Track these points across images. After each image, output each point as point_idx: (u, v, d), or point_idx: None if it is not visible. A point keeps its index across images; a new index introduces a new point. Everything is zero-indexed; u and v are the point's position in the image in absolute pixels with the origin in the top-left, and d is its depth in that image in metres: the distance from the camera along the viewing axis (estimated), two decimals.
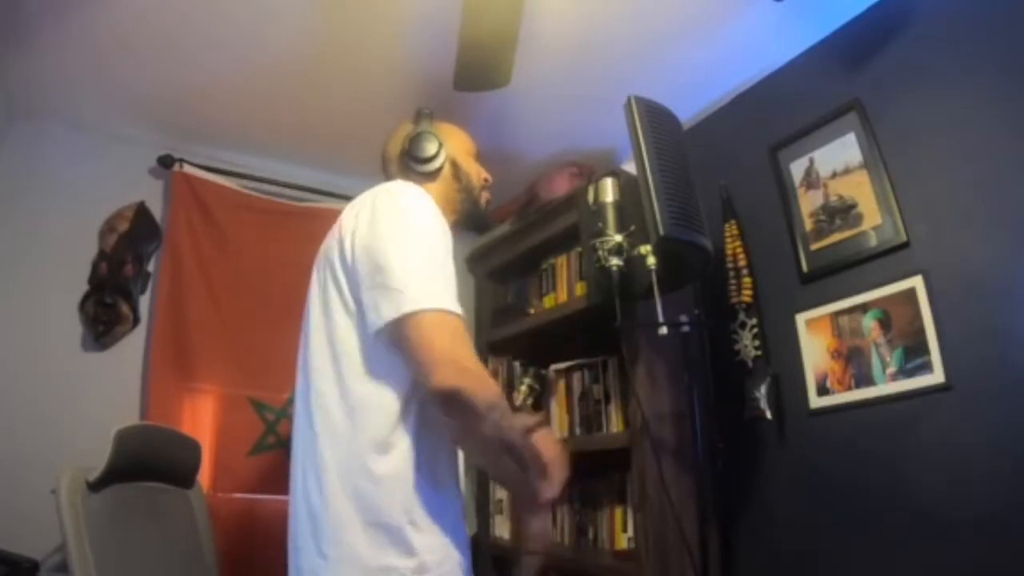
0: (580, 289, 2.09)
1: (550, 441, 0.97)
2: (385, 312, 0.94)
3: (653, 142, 1.51)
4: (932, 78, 1.56)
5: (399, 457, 0.96)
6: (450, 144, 1.31)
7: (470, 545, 1.06)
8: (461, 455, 1.11)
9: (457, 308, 0.95)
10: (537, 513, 1.00)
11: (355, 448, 0.97)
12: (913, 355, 1.49)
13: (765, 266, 1.87)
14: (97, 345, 2.04)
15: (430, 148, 1.27)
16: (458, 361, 0.91)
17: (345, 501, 0.94)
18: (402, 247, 0.98)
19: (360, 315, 1.00)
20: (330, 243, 1.11)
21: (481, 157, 1.40)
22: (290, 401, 2.21)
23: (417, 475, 0.97)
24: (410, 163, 1.28)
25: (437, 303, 0.93)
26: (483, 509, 2.32)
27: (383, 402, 0.98)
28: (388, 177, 1.34)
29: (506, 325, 2.38)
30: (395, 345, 0.96)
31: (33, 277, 2.01)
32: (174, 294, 2.14)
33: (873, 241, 1.62)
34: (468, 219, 1.34)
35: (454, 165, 1.30)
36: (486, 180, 1.36)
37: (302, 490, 1.01)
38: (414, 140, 1.28)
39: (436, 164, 1.27)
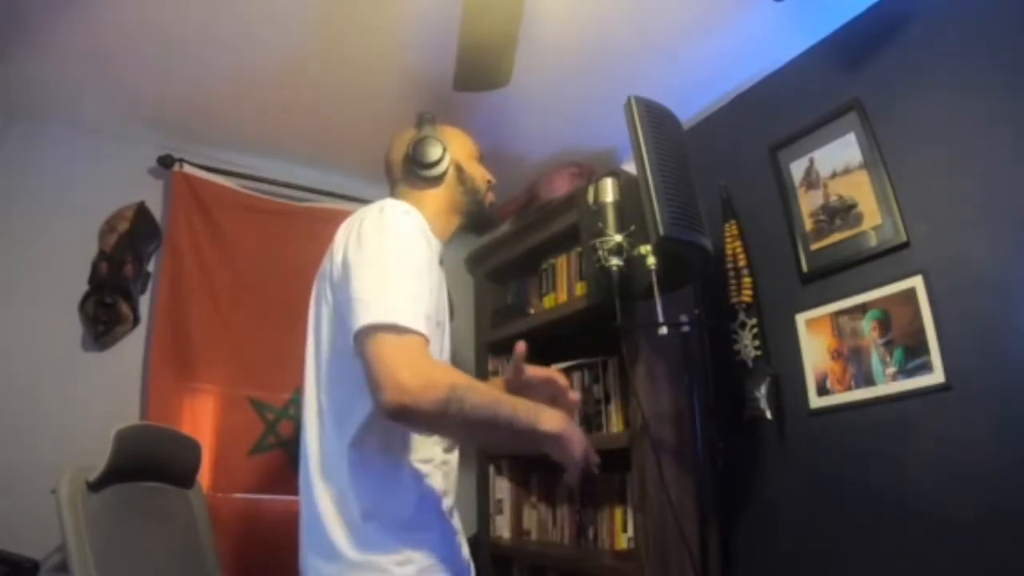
0: (580, 289, 2.09)
1: (548, 414, 1.01)
2: (351, 324, 0.96)
3: (653, 142, 1.51)
4: (932, 78, 1.56)
5: (370, 459, 1.01)
6: (454, 148, 1.31)
7: (457, 537, 1.11)
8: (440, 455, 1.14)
9: (414, 323, 0.95)
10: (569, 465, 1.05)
11: (334, 451, 1.03)
12: (913, 355, 1.49)
13: (765, 266, 1.88)
14: (97, 345, 2.04)
15: (434, 153, 1.27)
16: (397, 380, 0.90)
17: (329, 501, 1.01)
18: (373, 262, 1.00)
19: (340, 329, 1.05)
20: (324, 260, 1.15)
21: (484, 158, 1.40)
22: (291, 401, 2.22)
23: (388, 476, 1.02)
24: (414, 168, 1.28)
25: (391, 317, 0.94)
26: (483, 509, 2.32)
27: (356, 408, 1.02)
28: (391, 182, 1.35)
29: (506, 325, 2.38)
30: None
31: (33, 277, 2.01)
32: (174, 294, 2.13)
33: (873, 241, 1.62)
34: (473, 221, 1.35)
35: (458, 169, 1.31)
36: (490, 182, 1.37)
37: (303, 491, 1.08)
38: (418, 145, 1.28)
39: (441, 169, 1.28)
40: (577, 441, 1.03)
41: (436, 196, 1.28)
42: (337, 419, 1.04)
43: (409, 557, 0.98)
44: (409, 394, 0.90)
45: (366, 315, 0.94)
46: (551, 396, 1.28)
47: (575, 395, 1.29)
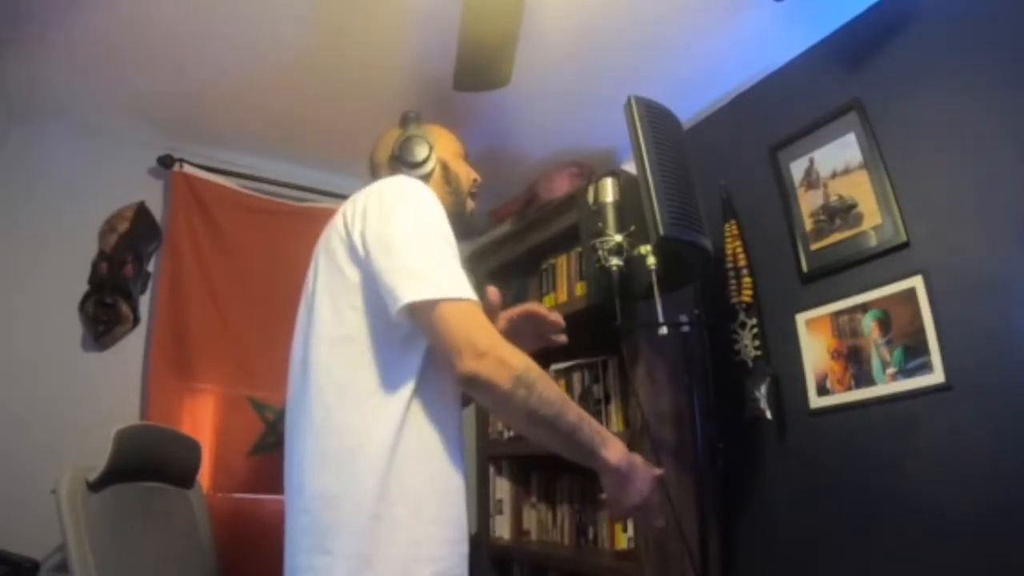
0: (580, 289, 2.09)
1: (615, 444, 0.96)
2: (402, 295, 0.93)
3: (653, 142, 1.51)
4: (932, 78, 1.56)
5: (402, 449, 0.96)
6: (439, 147, 1.31)
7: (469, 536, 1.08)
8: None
9: (472, 293, 0.97)
10: (622, 508, 0.98)
11: (358, 442, 0.96)
12: (913, 355, 1.49)
13: (765, 266, 1.87)
14: (97, 345, 2.04)
15: (420, 152, 1.27)
16: (474, 347, 0.92)
17: (347, 495, 0.94)
18: (417, 234, 0.99)
19: (369, 306, 1.01)
20: (330, 238, 1.09)
21: (470, 158, 1.40)
22: None
23: (421, 467, 0.97)
24: (401, 168, 1.27)
25: (453, 291, 0.95)
26: (483, 509, 2.32)
27: (387, 394, 0.98)
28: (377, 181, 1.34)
29: None
30: (415, 328, 0.98)
31: (33, 277, 2.01)
32: (174, 294, 2.14)
33: (873, 241, 1.62)
34: (456, 222, 1.33)
35: (444, 168, 1.30)
36: (475, 181, 1.36)
37: (299, 486, 1.01)
38: (404, 144, 1.28)
39: (427, 168, 1.27)
40: (639, 483, 0.95)
41: None
42: (366, 406, 0.97)
43: (427, 554, 0.93)
44: (484, 363, 0.91)
45: (423, 288, 0.93)
46: (538, 334, 1.27)
47: (556, 316, 1.26)
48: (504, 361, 0.92)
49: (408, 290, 0.94)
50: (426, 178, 1.27)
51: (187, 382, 2.09)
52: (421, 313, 0.94)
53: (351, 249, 1.03)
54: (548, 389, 0.94)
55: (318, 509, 0.96)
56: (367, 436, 0.96)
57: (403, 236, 0.99)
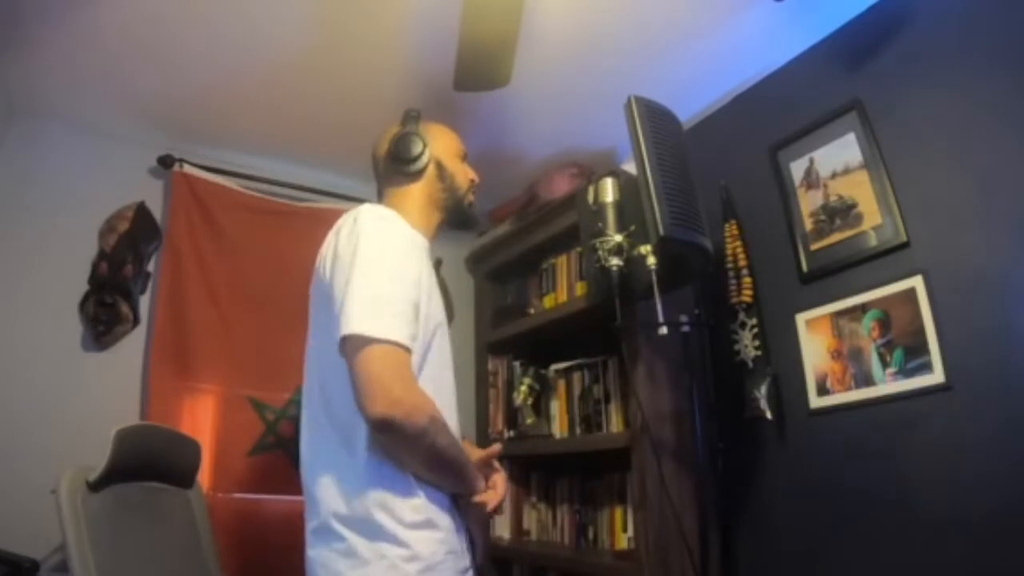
0: (580, 289, 2.09)
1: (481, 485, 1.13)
2: (336, 333, 1.00)
3: (653, 142, 1.51)
4: (932, 78, 1.56)
5: (379, 458, 1.03)
6: (435, 145, 1.33)
7: (467, 536, 1.13)
8: None
9: (397, 335, 0.98)
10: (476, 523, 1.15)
11: (343, 453, 1.05)
12: (913, 355, 1.49)
13: (765, 266, 1.88)
14: (97, 345, 2.04)
15: (414, 149, 1.29)
16: (389, 391, 0.95)
17: (347, 501, 1.02)
18: (356, 272, 1.03)
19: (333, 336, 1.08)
20: (316, 266, 1.17)
21: (469, 158, 1.41)
22: (291, 401, 2.22)
23: (398, 474, 1.03)
24: (395, 164, 1.30)
25: (374, 330, 0.97)
26: None
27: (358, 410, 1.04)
28: (377, 177, 1.37)
29: (506, 325, 2.38)
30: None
31: (33, 277, 2.01)
32: (174, 294, 2.14)
33: (873, 241, 1.62)
34: (453, 218, 1.36)
35: (439, 166, 1.32)
36: (472, 181, 1.38)
37: (310, 491, 1.09)
38: (399, 141, 1.30)
39: (419, 165, 1.29)
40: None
41: (417, 192, 1.29)
42: (346, 419, 1.04)
43: (417, 553, 0.99)
44: (402, 408, 0.95)
45: (349, 325, 0.97)
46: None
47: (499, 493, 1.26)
48: (416, 408, 0.97)
49: (338, 329, 0.98)
50: (419, 174, 1.30)
51: (187, 382, 2.09)
52: (349, 351, 0.98)
53: (320, 282, 1.11)
54: (446, 436, 1.03)
55: (323, 512, 1.04)
56: (360, 446, 1.03)
57: (346, 273, 1.03)
